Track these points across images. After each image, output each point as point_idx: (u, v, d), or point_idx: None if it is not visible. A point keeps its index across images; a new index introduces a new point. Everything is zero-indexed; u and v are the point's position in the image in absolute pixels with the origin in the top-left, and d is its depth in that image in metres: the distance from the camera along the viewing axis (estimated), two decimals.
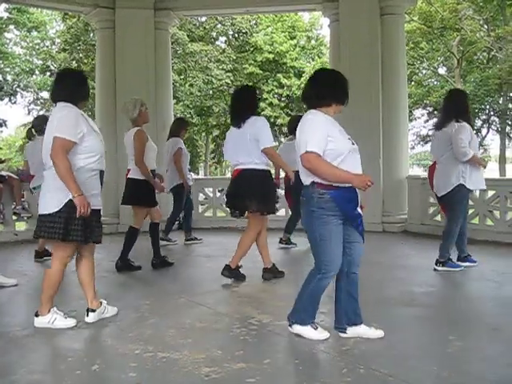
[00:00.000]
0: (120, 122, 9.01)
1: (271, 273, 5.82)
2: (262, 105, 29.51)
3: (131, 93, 9.65)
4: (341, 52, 9.79)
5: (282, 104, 31.26)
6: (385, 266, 6.42)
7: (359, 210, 3.68)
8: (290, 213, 8.20)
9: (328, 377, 3.19)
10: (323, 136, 3.57)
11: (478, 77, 28.35)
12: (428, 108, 32.04)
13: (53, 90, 4.35)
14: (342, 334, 3.81)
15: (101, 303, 4.38)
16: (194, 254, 7.58)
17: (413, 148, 33.90)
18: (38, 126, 7.01)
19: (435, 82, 31.82)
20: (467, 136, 5.76)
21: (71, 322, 4.18)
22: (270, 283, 5.65)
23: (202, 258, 7.33)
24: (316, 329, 3.81)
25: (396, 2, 9.95)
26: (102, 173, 4.26)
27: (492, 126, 31.12)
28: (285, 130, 26.79)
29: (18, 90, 29.61)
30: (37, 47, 29.90)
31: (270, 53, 29.77)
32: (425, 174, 8.30)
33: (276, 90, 30.08)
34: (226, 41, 31.14)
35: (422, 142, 33.92)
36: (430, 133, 32.87)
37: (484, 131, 31.27)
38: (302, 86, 29.40)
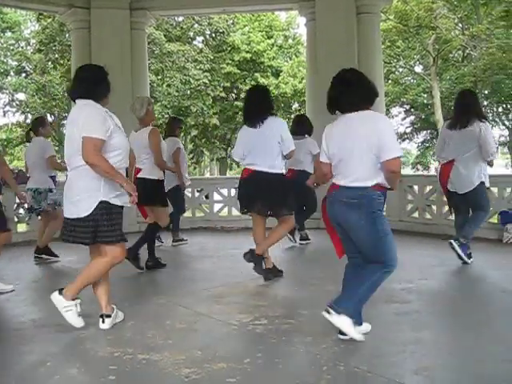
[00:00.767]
0: None
1: (272, 273, 5.81)
2: (240, 104, 29.55)
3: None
4: (317, 51, 9.83)
5: None
6: None
7: None
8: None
9: (308, 375, 3.20)
10: None
11: (453, 75, 28.66)
12: (405, 106, 32.32)
13: (72, 86, 4.18)
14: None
15: (113, 308, 4.27)
16: (173, 255, 7.54)
17: None
18: (35, 127, 7.13)
19: (412, 80, 32.10)
20: None
21: (79, 323, 4.10)
22: (251, 283, 5.65)
23: (181, 259, 7.30)
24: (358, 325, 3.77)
25: (372, 0, 10.03)
26: (126, 170, 4.23)
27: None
28: None
29: None
30: (11, 48, 29.53)
31: (247, 52, 29.77)
32: (403, 172, 8.33)
33: None
34: (203, 40, 31.06)
35: (399, 140, 34.21)
36: (408, 130, 33.27)
37: None
38: (281, 84, 29.54)
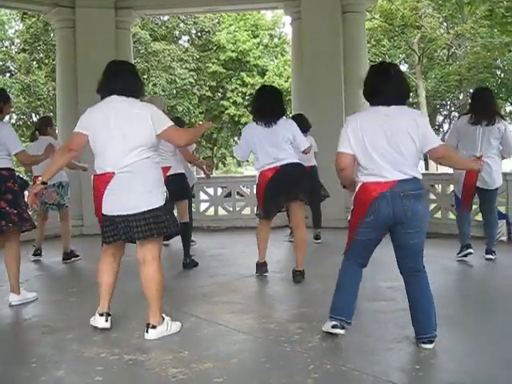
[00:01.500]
0: None
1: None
2: (225, 103, 29.52)
3: (93, 94, 9.49)
4: (303, 50, 9.85)
5: (246, 102, 31.24)
6: None
7: None
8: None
9: (295, 374, 3.21)
10: None
11: (438, 73, 28.86)
12: None
13: (116, 81, 4.00)
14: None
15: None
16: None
17: None
18: (41, 127, 7.15)
19: None
20: None
21: (179, 324, 4.08)
22: (238, 282, 5.65)
23: (168, 259, 7.27)
24: None
25: (357, 0, 10.06)
26: None
27: (453, 122, 31.70)
28: None
29: None
30: None
31: (233, 51, 29.72)
32: None
33: (240, 89, 30.02)
34: (188, 40, 30.98)
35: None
36: None
37: (446, 126, 31.86)
38: (266, 83, 29.52)
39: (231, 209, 10.60)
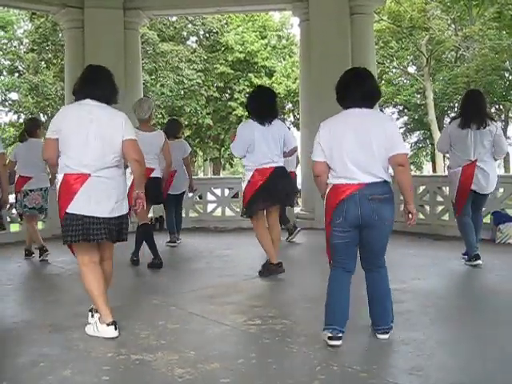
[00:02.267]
0: None
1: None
2: (233, 104, 29.53)
3: None
4: (311, 51, 9.84)
5: None
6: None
7: None
8: None
9: (302, 375, 3.20)
10: None
11: (446, 75, 28.80)
12: (398, 106, 32.43)
13: (94, 86, 3.99)
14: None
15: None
16: (166, 255, 7.53)
17: None
18: (30, 128, 7.19)
19: (405, 81, 32.24)
20: None
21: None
22: (244, 284, 5.65)
23: (175, 259, 7.29)
24: None
25: (365, 1, 10.06)
26: None
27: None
28: None
29: None
30: (4, 47, 29.40)
31: (240, 52, 29.75)
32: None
33: (247, 90, 30.01)
34: (196, 40, 31.05)
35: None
36: (401, 131, 33.33)
37: None
38: (274, 85, 29.53)
39: (238, 210, 10.59)
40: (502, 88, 28.44)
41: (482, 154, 5.97)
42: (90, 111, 3.93)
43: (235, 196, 10.86)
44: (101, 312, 3.96)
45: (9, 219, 8.84)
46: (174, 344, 3.77)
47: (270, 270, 5.81)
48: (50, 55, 27.17)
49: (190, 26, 29.50)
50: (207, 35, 30.34)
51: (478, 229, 6.25)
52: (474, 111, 6.01)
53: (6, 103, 29.79)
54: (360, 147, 3.58)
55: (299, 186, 8.81)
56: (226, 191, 10.76)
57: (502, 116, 30.48)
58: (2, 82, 29.16)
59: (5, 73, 29.52)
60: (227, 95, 31.28)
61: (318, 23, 9.75)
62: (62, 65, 23.22)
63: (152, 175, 6.27)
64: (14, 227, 9.20)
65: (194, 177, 9.70)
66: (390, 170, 3.71)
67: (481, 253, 6.07)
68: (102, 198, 3.90)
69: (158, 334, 3.97)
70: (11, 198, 8.32)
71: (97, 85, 4.02)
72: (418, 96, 30.90)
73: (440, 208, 8.83)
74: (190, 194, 9.69)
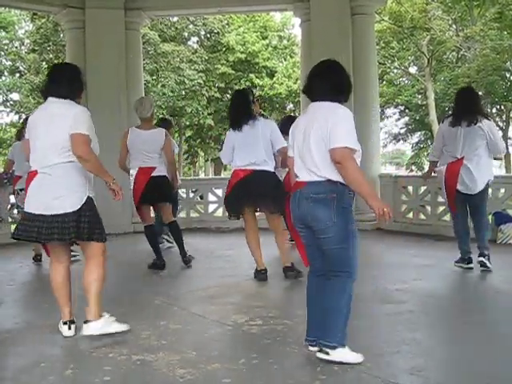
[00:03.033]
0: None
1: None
2: None
3: (102, 94, 9.61)
4: (312, 52, 9.82)
5: None
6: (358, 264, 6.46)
7: None
8: None
9: (303, 375, 3.21)
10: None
11: (447, 76, 28.75)
12: (399, 107, 32.39)
13: (51, 84, 4.03)
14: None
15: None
16: (167, 256, 7.53)
17: (385, 146, 34.31)
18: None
19: (406, 81, 32.19)
20: None
21: (125, 326, 4.02)
22: (246, 283, 5.65)
23: (176, 260, 7.28)
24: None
25: (366, 2, 10.05)
26: None
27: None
28: None
29: None
30: (5, 48, 29.41)
31: (242, 53, 29.72)
32: (397, 172, 8.34)
33: None
34: (197, 41, 31.02)
35: (393, 141, 34.32)
36: (402, 131, 33.36)
37: None
38: (275, 85, 29.55)
39: None
40: (504, 88, 28.38)
41: (471, 151, 5.78)
42: (46, 108, 3.98)
43: None
44: (60, 310, 4.04)
45: (10, 219, 8.85)
46: (175, 344, 3.77)
47: (255, 274, 5.81)
48: (51, 56, 27.13)
49: (191, 26, 29.47)
50: (208, 36, 30.31)
51: (477, 231, 6.02)
52: (464, 108, 5.89)
53: (8, 104, 29.78)
54: (304, 143, 3.39)
55: None
56: None
57: (504, 116, 30.46)
58: (4, 82, 29.16)
59: (6, 73, 29.52)
60: (228, 96, 31.24)
61: (319, 23, 9.75)
62: None
63: (153, 174, 6.23)
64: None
65: (195, 177, 9.70)
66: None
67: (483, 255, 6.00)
68: (40, 194, 3.86)
69: (159, 335, 3.97)
70: (12, 198, 8.35)
71: (55, 82, 4.04)
72: (419, 96, 30.87)
73: (441, 208, 8.82)
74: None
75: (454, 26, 28.63)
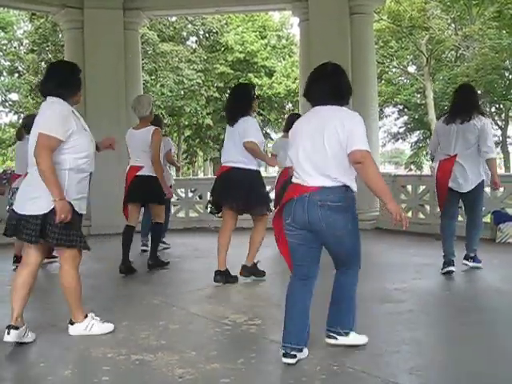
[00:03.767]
0: (88, 123, 8.92)
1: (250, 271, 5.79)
2: None
3: (101, 94, 9.61)
4: (311, 51, 9.84)
5: None
6: None
7: None
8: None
9: (302, 375, 3.20)
10: None
11: (446, 75, 28.76)
12: (398, 106, 32.42)
13: (42, 82, 4.03)
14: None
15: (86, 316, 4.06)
16: (166, 256, 7.54)
17: (384, 145, 34.36)
18: (27, 125, 6.97)
19: (405, 80, 32.21)
20: None
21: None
22: (244, 284, 5.65)
23: (174, 259, 7.28)
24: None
25: (365, 1, 10.07)
26: (91, 174, 4.02)
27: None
28: None
29: None
30: (4, 48, 29.40)
31: (240, 52, 29.72)
32: (396, 172, 8.32)
33: None
34: (196, 41, 31.03)
35: (392, 140, 34.34)
36: (401, 130, 33.38)
37: None
38: (274, 84, 29.55)
39: None
40: (502, 87, 28.39)
41: (464, 149, 5.68)
42: (40, 107, 3.98)
43: None
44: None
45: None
46: (174, 344, 3.77)
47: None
48: (49, 56, 27.08)
49: (189, 26, 29.47)
50: (207, 35, 30.32)
51: (468, 230, 5.94)
52: (460, 106, 5.82)
53: (7, 104, 29.77)
54: (313, 147, 3.36)
55: None
56: None
57: (502, 115, 30.49)
58: (2, 82, 29.15)
59: (5, 73, 29.51)
60: (227, 95, 31.27)
61: (318, 23, 9.76)
62: None
63: (139, 173, 6.18)
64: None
65: (194, 177, 9.68)
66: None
67: (479, 253, 5.97)
68: (20, 194, 3.90)
69: (158, 334, 3.97)
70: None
71: (44, 80, 4.03)
72: (418, 95, 30.89)
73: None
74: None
75: (452, 25, 28.66)
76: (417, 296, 4.97)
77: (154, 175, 6.21)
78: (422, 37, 28.03)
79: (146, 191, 6.24)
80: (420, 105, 30.73)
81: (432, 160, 6.43)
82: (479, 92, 28.03)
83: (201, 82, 27.82)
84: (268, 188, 6.85)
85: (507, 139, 30.47)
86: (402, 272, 5.90)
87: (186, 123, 30.05)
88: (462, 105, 5.80)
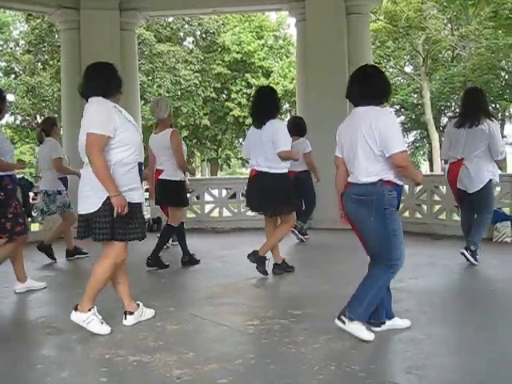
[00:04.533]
0: None
1: (281, 268, 5.96)
2: (230, 105, 29.52)
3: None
4: (307, 51, 9.85)
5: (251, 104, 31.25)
6: (355, 263, 6.45)
7: None
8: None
9: (300, 375, 3.20)
10: None
11: (443, 75, 28.85)
12: (395, 106, 32.45)
13: (83, 85, 4.12)
14: (378, 329, 3.85)
15: (138, 305, 4.33)
16: (164, 257, 7.53)
17: None
18: (46, 128, 7.05)
19: (402, 80, 32.26)
20: None
21: (105, 329, 4.02)
22: (242, 284, 5.65)
23: (173, 260, 7.27)
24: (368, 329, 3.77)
25: (361, 1, 10.09)
26: (140, 165, 4.15)
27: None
28: None
29: None
30: (0, 49, 29.37)
31: (237, 53, 29.74)
32: None
33: (244, 90, 30.05)
34: (193, 41, 31.04)
35: None
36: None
37: None
38: (271, 85, 29.50)
39: (236, 210, 10.61)
40: (498, 87, 28.49)
41: (471, 152, 5.92)
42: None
43: (233, 196, 10.87)
44: None
45: (29, 219, 8.82)
46: (172, 345, 3.76)
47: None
48: (46, 56, 27.11)
49: (186, 26, 29.50)
50: (204, 36, 30.32)
51: (473, 226, 6.17)
52: (468, 110, 6.02)
53: None
54: (350, 147, 3.70)
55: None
56: (224, 192, 10.75)
57: (499, 115, 30.54)
58: None
59: (1, 74, 29.49)
60: (224, 96, 31.26)
61: (315, 23, 9.77)
62: (58, 66, 23.12)
63: (160, 177, 6.31)
64: (34, 226, 9.23)
65: (191, 177, 9.67)
66: None
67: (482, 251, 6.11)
68: (79, 194, 4.06)
69: (156, 335, 3.96)
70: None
71: (84, 82, 4.15)
72: (415, 95, 30.96)
73: (437, 207, 8.84)
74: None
75: (449, 25, 28.72)
76: (414, 295, 4.97)
77: (173, 179, 6.28)
78: (418, 37, 28.09)
79: (163, 195, 6.40)
80: (417, 105, 30.80)
81: (445, 162, 6.60)
82: None
83: (198, 82, 27.85)
84: None
85: (504, 139, 30.50)
86: (400, 271, 5.85)
87: (183, 124, 30.02)
88: (471, 109, 5.99)
